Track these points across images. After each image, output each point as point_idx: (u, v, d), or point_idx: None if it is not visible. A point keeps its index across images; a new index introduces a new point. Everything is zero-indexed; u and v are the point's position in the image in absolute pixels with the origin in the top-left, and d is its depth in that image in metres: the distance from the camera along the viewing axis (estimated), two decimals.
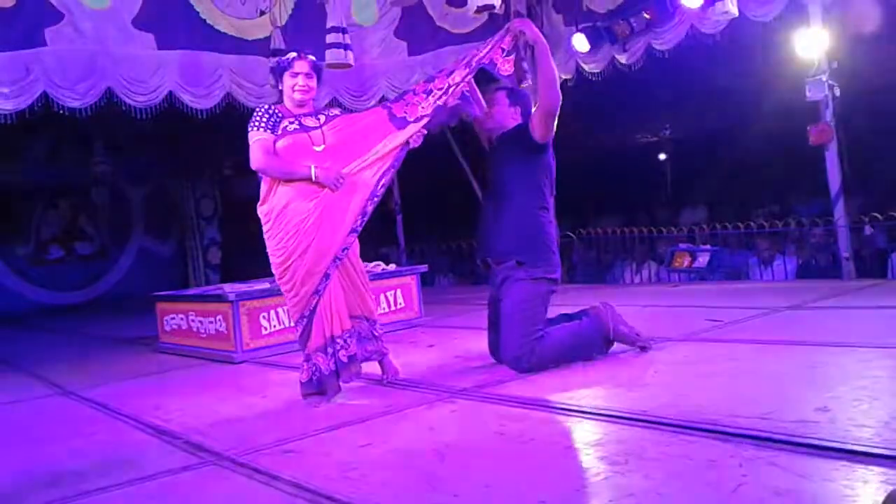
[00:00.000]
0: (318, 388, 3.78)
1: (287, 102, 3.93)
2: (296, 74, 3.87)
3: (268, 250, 3.82)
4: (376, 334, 4.06)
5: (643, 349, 4.27)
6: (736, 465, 2.32)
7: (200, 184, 14.13)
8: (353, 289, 3.97)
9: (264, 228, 3.83)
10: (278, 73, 3.95)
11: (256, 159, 3.75)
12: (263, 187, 3.82)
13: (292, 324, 3.97)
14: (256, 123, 3.80)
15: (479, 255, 4.41)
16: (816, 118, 7.20)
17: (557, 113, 4.15)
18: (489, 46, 4.19)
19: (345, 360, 3.81)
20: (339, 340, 3.81)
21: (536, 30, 4.21)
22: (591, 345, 4.20)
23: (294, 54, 3.91)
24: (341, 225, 3.79)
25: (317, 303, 3.77)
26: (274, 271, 3.83)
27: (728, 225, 8.64)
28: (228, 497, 2.57)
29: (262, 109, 3.87)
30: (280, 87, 3.96)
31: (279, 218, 3.75)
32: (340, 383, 3.83)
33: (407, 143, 3.95)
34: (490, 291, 4.36)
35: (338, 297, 3.84)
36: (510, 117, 4.29)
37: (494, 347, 4.29)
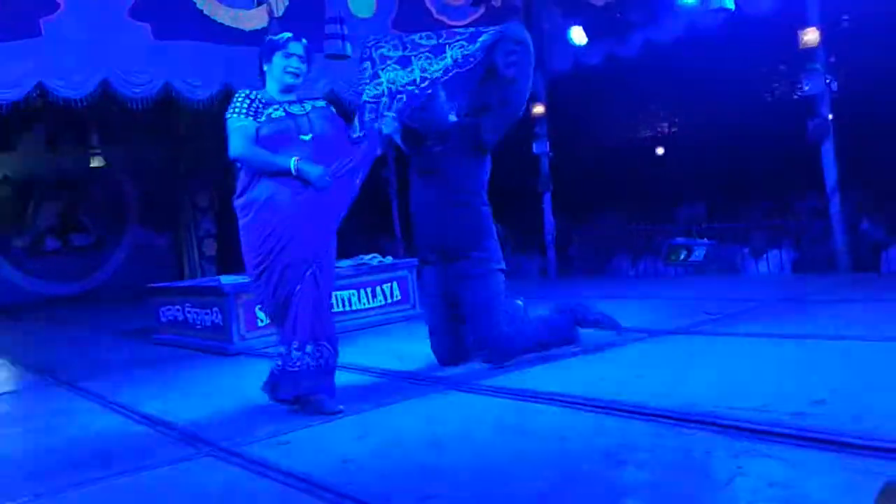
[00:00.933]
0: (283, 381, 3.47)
1: (273, 86, 3.63)
2: (290, 55, 3.59)
3: (242, 245, 3.55)
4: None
5: (617, 332, 4.33)
6: (731, 456, 2.33)
7: (196, 176, 14.08)
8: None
9: (241, 222, 3.54)
10: (268, 52, 3.62)
11: (236, 147, 3.47)
12: (242, 178, 3.56)
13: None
14: (237, 109, 3.50)
15: (424, 251, 4.24)
16: (813, 113, 7.20)
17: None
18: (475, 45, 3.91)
19: (294, 368, 3.45)
20: (308, 346, 3.46)
21: (528, 36, 4.06)
22: (564, 334, 4.20)
23: (289, 34, 3.66)
24: (326, 225, 3.56)
25: (294, 304, 3.45)
26: (248, 266, 3.56)
27: (725, 219, 8.65)
28: (224, 487, 2.57)
29: (243, 95, 3.56)
30: (265, 69, 3.65)
31: (261, 212, 3.46)
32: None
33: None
34: (431, 290, 4.23)
35: (311, 300, 3.49)
36: (447, 111, 4.15)
37: (447, 351, 4.16)
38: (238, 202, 3.57)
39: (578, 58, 9.00)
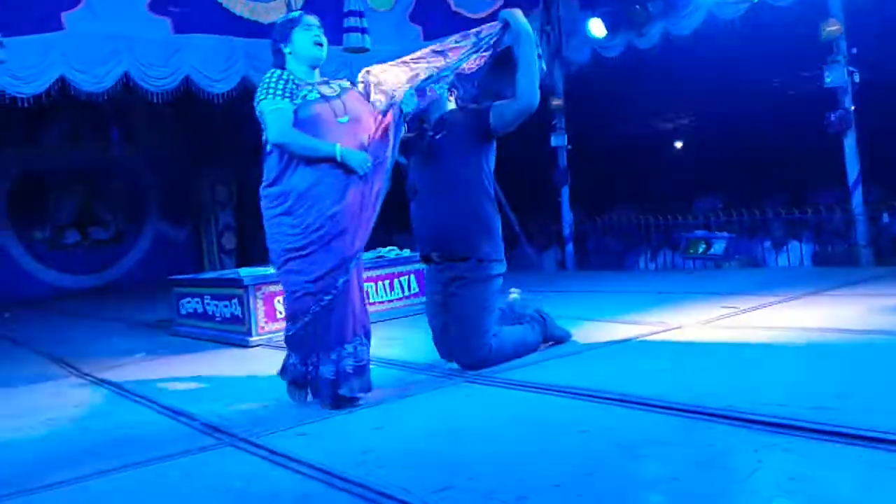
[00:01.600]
0: (326, 385, 3.34)
1: (299, 67, 3.42)
2: (309, 26, 3.42)
3: (273, 236, 3.37)
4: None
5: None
6: (751, 451, 2.32)
7: (215, 170, 14.16)
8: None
9: (272, 212, 3.34)
10: (286, 32, 3.43)
11: (279, 132, 3.25)
12: (273, 165, 3.34)
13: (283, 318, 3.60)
14: (272, 90, 3.29)
15: (424, 250, 4.05)
16: (835, 105, 7.14)
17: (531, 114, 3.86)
18: (480, 47, 3.81)
19: (349, 370, 3.33)
20: (347, 347, 3.36)
21: (524, 19, 3.84)
22: (535, 346, 4.17)
23: (299, 10, 3.52)
24: (368, 216, 3.40)
25: (331, 300, 3.30)
26: (277, 259, 3.37)
27: (744, 212, 8.59)
28: (245, 477, 2.59)
29: (276, 75, 3.34)
30: (285, 52, 3.44)
31: (301, 202, 3.27)
32: (340, 393, 3.33)
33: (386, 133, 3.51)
34: (430, 288, 4.09)
35: (353, 296, 3.39)
36: (445, 97, 3.98)
37: (448, 351, 4.02)
38: (269, 191, 3.36)
39: (597, 50, 8.96)
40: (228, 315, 5.89)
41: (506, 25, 3.82)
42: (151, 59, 6.87)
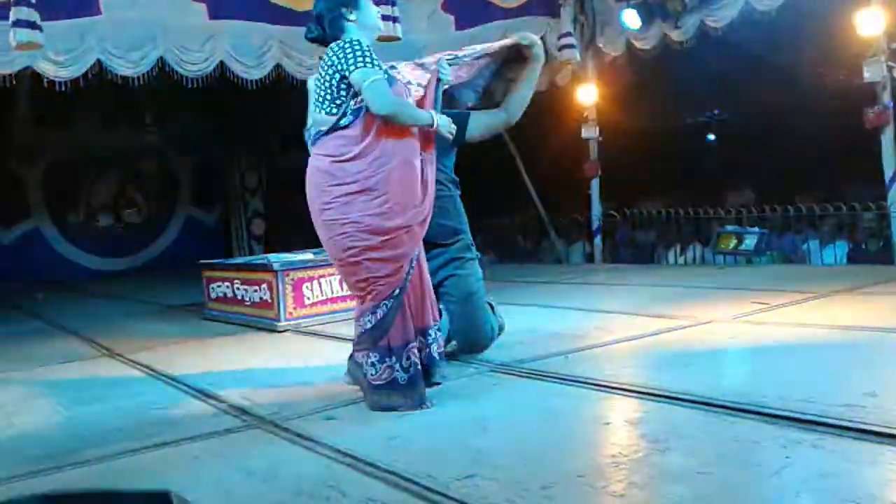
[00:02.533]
0: (401, 391, 3.09)
1: (365, 35, 3.21)
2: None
3: (349, 217, 3.07)
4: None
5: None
6: (780, 447, 2.30)
7: (246, 156, 14.27)
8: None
9: (347, 189, 3.08)
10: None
11: (390, 102, 3.03)
12: (359, 138, 3.08)
13: (354, 304, 3.28)
14: (367, 59, 3.04)
15: None
16: (873, 100, 7.02)
17: None
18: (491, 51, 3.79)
19: (436, 355, 3.24)
20: (430, 333, 3.23)
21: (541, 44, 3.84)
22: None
23: None
24: (432, 192, 3.28)
25: (405, 285, 3.14)
26: (358, 244, 3.08)
27: (777, 207, 8.48)
28: (271, 460, 2.61)
29: (361, 43, 3.08)
30: (350, 17, 3.20)
31: (392, 176, 3.07)
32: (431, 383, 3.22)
33: None
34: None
35: (427, 281, 3.28)
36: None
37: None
38: (350, 165, 3.08)
39: (631, 41, 8.88)
40: (258, 300, 5.94)
41: (525, 47, 3.78)
42: (187, 44, 6.92)
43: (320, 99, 3.15)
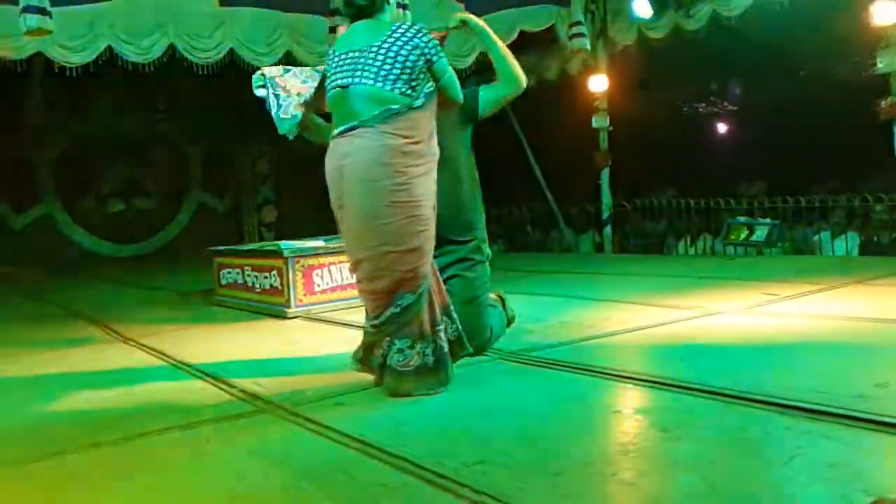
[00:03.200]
0: (434, 371, 3.13)
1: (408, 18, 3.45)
2: None
3: (420, 199, 3.08)
4: None
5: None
6: (790, 436, 2.30)
7: (257, 144, 14.28)
8: None
9: (425, 168, 3.12)
10: None
11: (461, 92, 3.32)
12: (429, 120, 3.18)
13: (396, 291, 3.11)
14: (441, 51, 3.22)
15: None
16: (886, 91, 6.97)
17: None
18: None
19: (457, 335, 3.33)
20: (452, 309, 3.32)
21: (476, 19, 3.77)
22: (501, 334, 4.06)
23: None
24: None
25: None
26: (422, 228, 3.09)
27: (789, 199, 8.44)
28: (281, 443, 2.63)
29: (428, 29, 3.23)
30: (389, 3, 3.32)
31: (437, 166, 3.21)
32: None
33: None
34: None
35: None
36: None
37: None
38: (419, 147, 3.11)
39: (642, 31, 8.83)
40: (268, 286, 5.96)
41: (461, 25, 3.75)
42: (197, 31, 6.91)
43: (390, 77, 3.09)
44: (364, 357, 3.29)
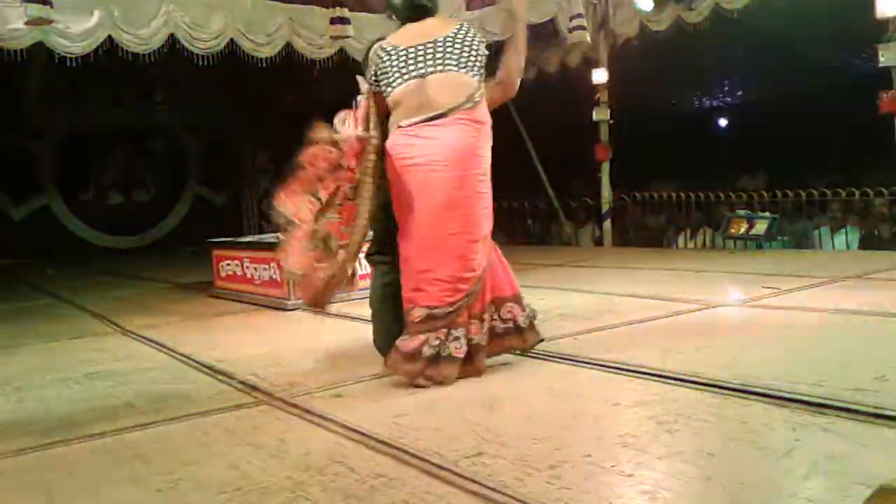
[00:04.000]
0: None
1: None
2: None
3: (488, 183, 3.26)
4: None
5: None
6: (789, 429, 2.29)
7: (256, 135, 14.27)
8: None
9: (489, 155, 3.29)
10: None
11: None
12: (488, 103, 3.33)
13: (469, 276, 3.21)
14: None
15: (376, 244, 3.71)
16: (888, 85, 6.94)
17: None
18: None
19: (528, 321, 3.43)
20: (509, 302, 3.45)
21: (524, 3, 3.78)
22: None
23: None
24: None
25: None
26: (489, 213, 3.30)
27: (789, 193, 8.43)
28: (280, 435, 2.62)
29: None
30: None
31: None
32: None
33: None
34: (381, 282, 3.59)
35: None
36: None
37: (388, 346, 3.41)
38: (487, 128, 3.29)
39: (644, 23, 8.80)
40: (267, 278, 5.96)
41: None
42: (197, 21, 6.88)
43: (469, 63, 3.25)
44: (397, 358, 3.15)
